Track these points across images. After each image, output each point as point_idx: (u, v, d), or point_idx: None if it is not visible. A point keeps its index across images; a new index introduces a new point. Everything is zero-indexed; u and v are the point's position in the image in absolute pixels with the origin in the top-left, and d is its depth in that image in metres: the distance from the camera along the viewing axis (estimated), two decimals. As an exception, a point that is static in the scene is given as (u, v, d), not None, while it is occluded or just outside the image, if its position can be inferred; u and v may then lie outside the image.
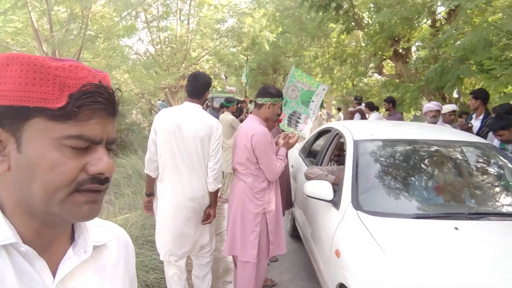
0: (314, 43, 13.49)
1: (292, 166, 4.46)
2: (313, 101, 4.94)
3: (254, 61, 21.57)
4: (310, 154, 4.34)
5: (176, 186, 2.54)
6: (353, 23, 10.23)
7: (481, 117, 4.35)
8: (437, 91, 8.60)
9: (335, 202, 2.55)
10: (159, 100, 18.73)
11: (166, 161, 2.54)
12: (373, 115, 7.60)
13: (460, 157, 2.85)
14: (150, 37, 14.10)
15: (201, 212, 2.65)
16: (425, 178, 2.64)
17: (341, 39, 12.58)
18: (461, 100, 9.82)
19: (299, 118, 5.03)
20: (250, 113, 3.22)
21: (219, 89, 18.26)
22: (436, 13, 8.69)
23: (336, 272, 2.20)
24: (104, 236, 0.75)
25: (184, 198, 2.54)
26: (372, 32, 9.69)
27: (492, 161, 2.78)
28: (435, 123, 4.64)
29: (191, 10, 13.11)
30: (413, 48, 11.49)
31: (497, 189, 2.61)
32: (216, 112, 8.21)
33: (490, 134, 3.93)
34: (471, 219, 2.17)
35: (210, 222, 2.72)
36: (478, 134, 4.13)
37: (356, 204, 2.35)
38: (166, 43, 13.99)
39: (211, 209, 2.69)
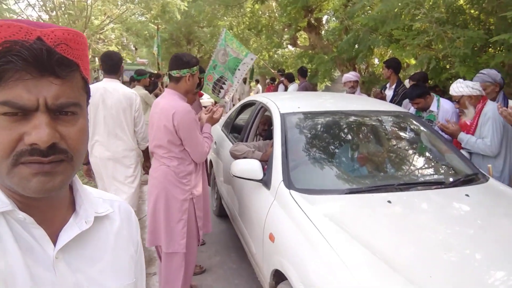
0: (228, 12, 13.06)
1: (215, 143, 4.20)
2: (239, 69, 4.70)
3: (166, 31, 20.38)
4: (233, 129, 4.12)
5: (103, 149, 2.99)
6: (266, -8, 10.04)
7: (393, 86, 4.52)
8: (349, 62, 8.95)
9: (266, 182, 2.38)
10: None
11: (94, 131, 2.96)
12: (292, 86, 7.69)
13: (386, 128, 2.87)
14: (41, 2, 12.35)
15: (124, 168, 3.08)
16: (355, 150, 2.60)
17: (255, 8, 12.37)
18: (369, 70, 10.41)
19: (223, 84, 4.77)
20: (166, 86, 2.92)
21: (128, 61, 16.76)
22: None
23: (271, 257, 2.05)
24: (106, 207, 0.74)
25: (111, 157, 3.02)
26: (286, 1, 9.62)
27: (415, 130, 2.84)
28: (353, 93, 4.72)
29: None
30: (324, 21, 11.79)
31: (421, 158, 2.68)
32: (127, 86, 7.45)
33: (404, 102, 4.10)
34: (401, 190, 2.16)
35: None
36: (391, 102, 4.28)
37: (288, 182, 2.20)
38: (62, 9, 12.40)
39: (147, 162, 3.30)
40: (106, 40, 13.40)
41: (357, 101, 3.25)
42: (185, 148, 2.38)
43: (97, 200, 0.74)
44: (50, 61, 0.55)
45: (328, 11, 9.67)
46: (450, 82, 5.87)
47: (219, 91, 5.06)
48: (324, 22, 11.58)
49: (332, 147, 2.62)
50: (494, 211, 2.07)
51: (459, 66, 4.32)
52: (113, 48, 13.42)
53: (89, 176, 3.23)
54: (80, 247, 0.67)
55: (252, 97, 3.91)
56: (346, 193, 2.12)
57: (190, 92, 2.51)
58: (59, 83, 0.57)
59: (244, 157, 3.00)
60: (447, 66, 5.62)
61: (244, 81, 11.99)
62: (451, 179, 2.37)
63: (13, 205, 0.59)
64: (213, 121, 2.65)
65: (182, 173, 2.40)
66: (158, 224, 2.47)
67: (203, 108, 2.94)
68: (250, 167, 2.41)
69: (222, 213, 4.12)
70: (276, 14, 11.99)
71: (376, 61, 10.76)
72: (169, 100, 2.38)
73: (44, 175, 0.57)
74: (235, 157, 3.08)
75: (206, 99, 10.98)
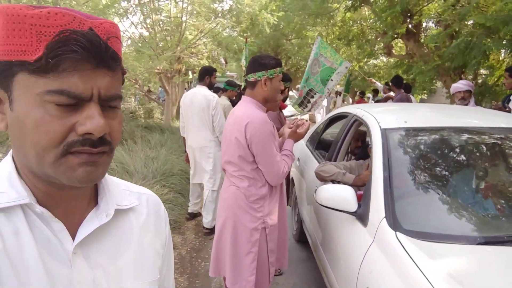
0: (317, 22, 12.64)
1: (299, 160, 3.77)
2: (332, 80, 4.34)
3: (254, 45, 20.72)
4: (320, 145, 3.63)
5: (192, 139, 3.99)
6: (359, -1, 9.39)
7: (522, 98, 3.62)
8: (454, 71, 7.84)
9: (361, 215, 1.86)
10: (160, 87, 17.98)
11: (187, 125, 4.01)
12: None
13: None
14: (142, 19, 13.32)
15: (206, 156, 3.96)
16: (489, 181, 1.94)
17: (346, 17, 11.74)
18: (477, 81, 9.05)
19: (312, 97, 4.42)
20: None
21: (218, 74, 17.21)
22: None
23: (368, 322, 1.53)
24: (131, 200, 0.72)
25: (197, 147, 3.99)
26: (382, 7, 8.88)
27: None
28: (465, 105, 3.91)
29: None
30: (424, 26, 10.67)
31: None
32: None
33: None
34: None
35: None
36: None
37: (393, 221, 1.66)
38: (161, 25, 13.22)
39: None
40: (197, 54, 13.94)
41: (482, 115, 2.54)
42: (258, 167, 1.98)
43: (123, 192, 0.72)
44: (107, 53, 0.56)
45: (432, 15, 8.64)
46: None
47: (306, 105, 4.75)
48: (423, 28, 10.50)
49: (455, 175, 1.99)
50: None
51: None
52: (204, 61, 13.89)
53: (188, 162, 4.27)
54: (101, 241, 0.65)
55: (344, 108, 3.40)
56: (479, 243, 1.50)
57: (271, 101, 2.10)
58: (111, 75, 0.58)
59: (332, 180, 2.52)
60: None
61: (339, 94, 11.36)
62: None
63: (30, 197, 0.58)
64: (296, 136, 2.22)
65: (254, 197, 2.00)
66: (223, 253, 2.11)
67: (287, 121, 2.51)
68: (341, 194, 1.91)
69: (303, 238, 3.64)
70: (369, 21, 11.22)
71: (482, 70, 9.33)
72: (244, 109, 2.01)
73: (90, 165, 0.57)
74: (321, 179, 2.60)
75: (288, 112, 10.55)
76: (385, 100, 7.52)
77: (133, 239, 0.69)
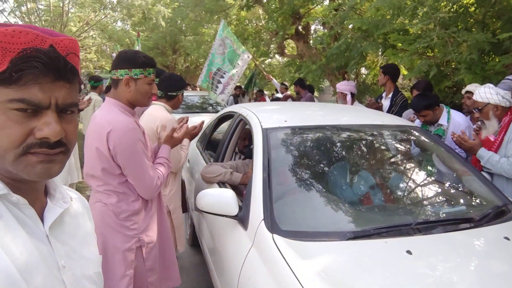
0: (213, 20, 12.59)
1: (189, 161, 3.62)
2: (239, 64, 4.35)
3: (150, 40, 19.80)
4: (209, 145, 3.53)
5: None
6: (252, -2, 9.59)
7: (390, 95, 4.02)
8: (338, 70, 8.49)
9: (242, 219, 1.81)
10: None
11: None
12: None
13: (397, 148, 2.32)
14: (15, 7, 11.72)
15: None
16: (359, 178, 2.04)
17: (241, 16, 11.92)
18: (359, 80, 9.99)
19: (221, 77, 4.34)
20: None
21: (109, 69, 15.90)
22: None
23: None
24: (72, 194, 0.86)
25: None
26: (273, 8, 9.20)
27: (428, 149, 2.31)
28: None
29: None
30: (312, 29, 11.43)
31: (438, 185, 2.14)
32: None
33: (405, 114, 3.60)
34: (420, 231, 1.61)
35: None
36: (388, 113, 3.77)
37: (271, 223, 1.63)
38: (39, 15, 11.78)
39: None
40: (84, 48, 12.75)
41: (358, 113, 2.71)
42: (127, 180, 1.76)
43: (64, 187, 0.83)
44: (65, 69, 0.66)
45: (317, 18, 9.24)
46: (450, 91, 5.44)
47: (217, 86, 4.64)
48: (312, 30, 11.23)
49: (330, 172, 2.06)
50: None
51: (464, 73, 3.85)
52: (91, 55, 12.77)
53: None
54: (61, 224, 0.76)
55: (230, 108, 3.36)
56: (349, 239, 1.56)
57: (139, 104, 1.83)
58: (68, 86, 0.67)
59: (220, 181, 2.44)
60: (447, 73, 5.17)
61: (243, 94, 11.31)
62: (480, 214, 1.83)
63: (7, 188, 0.66)
64: (173, 141, 2.03)
65: (125, 213, 1.75)
66: None
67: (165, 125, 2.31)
68: (221, 199, 1.83)
69: (197, 243, 3.52)
70: (263, 22, 11.56)
71: (363, 70, 10.35)
72: (106, 113, 1.73)
73: (48, 162, 0.66)
74: (208, 181, 2.51)
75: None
76: (285, 99, 7.97)
77: (80, 222, 0.82)
